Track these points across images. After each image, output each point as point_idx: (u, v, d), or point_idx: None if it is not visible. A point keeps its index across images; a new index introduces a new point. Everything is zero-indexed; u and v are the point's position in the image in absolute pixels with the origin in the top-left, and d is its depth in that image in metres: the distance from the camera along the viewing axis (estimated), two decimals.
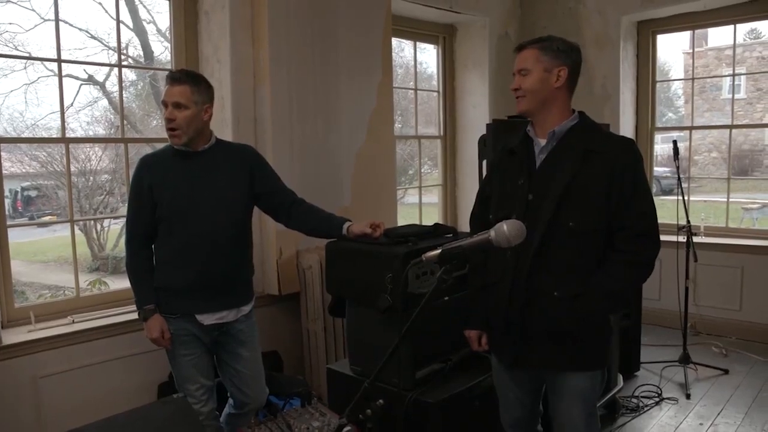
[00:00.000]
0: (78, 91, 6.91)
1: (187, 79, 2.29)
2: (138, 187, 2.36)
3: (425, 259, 1.53)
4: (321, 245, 3.00)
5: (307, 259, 3.40)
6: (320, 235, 2.61)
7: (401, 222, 4.37)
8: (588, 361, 1.90)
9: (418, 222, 4.84)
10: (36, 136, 6.21)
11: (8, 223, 2.84)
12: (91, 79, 6.80)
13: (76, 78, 6.62)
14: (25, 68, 7.10)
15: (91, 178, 8.60)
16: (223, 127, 3.31)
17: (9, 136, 7.53)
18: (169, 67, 3.54)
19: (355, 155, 3.80)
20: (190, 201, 2.33)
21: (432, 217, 5.25)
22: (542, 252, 1.84)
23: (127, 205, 2.41)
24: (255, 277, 2.61)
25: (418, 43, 5.00)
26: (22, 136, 7.58)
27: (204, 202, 2.34)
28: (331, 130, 3.66)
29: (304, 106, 3.48)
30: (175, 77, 2.28)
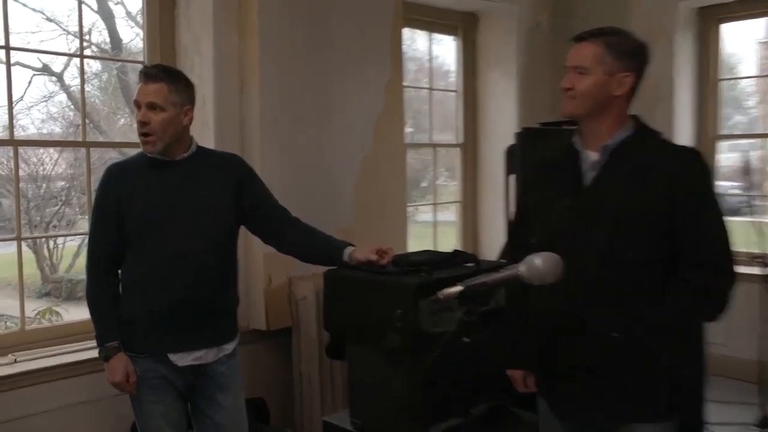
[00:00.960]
0: (30, 83, 6.89)
1: (164, 75, 2.33)
2: (103, 198, 2.39)
3: (442, 297, 1.53)
4: (318, 272, 3.02)
5: (302, 288, 3.42)
6: (317, 261, 2.64)
7: (412, 244, 4.41)
8: (658, 409, 1.89)
9: (432, 244, 4.88)
10: None
11: None
12: (46, 69, 6.78)
13: (29, 67, 6.63)
14: None
15: (44, 185, 8.54)
16: (204, 131, 3.37)
17: None
18: (140, 57, 3.60)
19: (358, 166, 3.84)
20: (169, 211, 2.36)
21: (449, 238, 5.28)
22: (596, 285, 1.84)
23: (89, 219, 2.42)
24: (239, 310, 2.62)
25: (433, 34, 5.07)
26: None
27: (185, 212, 2.37)
28: (331, 137, 3.70)
29: (299, 107, 3.53)
30: (150, 74, 2.32)
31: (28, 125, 7.75)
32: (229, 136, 3.41)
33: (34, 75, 6.81)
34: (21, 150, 3.13)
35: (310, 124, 3.59)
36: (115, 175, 2.41)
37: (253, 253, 3.42)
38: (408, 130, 5.00)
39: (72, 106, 6.98)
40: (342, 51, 3.73)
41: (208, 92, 3.38)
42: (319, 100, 3.62)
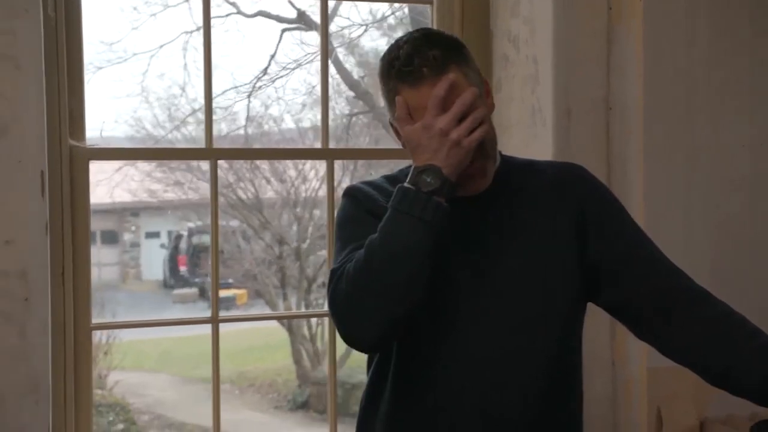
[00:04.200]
0: (278, 44, 5.53)
1: (447, 55, 1.45)
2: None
3: None
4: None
5: None
6: (741, 389, 1.60)
7: None
8: None
9: None
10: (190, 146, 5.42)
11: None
12: (301, 20, 5.38)
13: (274, 18, 5.43)
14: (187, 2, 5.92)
15: (307, 212, 7.57)
16: (530, 126, 2.37)
17: (155, 130, 7.11)
18: None
19: None
20: (463, 286, 1.55)
21: None
22: None
23: None
24: None
25: None
26: (164, 135, 7.01)
27: (487, 286, 1.53)
28: None
29: (727, 76, 2.38)
30: (427, 60, 1.43)
31: (281, 114, 6.34)
32: (582, 133, 2.32)
33: (284, 30, 5.48)
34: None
35: (752, 116, 2.38)
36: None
37: (629, 361, 2.39)
38: None
39: (343, 81, 5.44)
40: None
41: (544, 51, 2.32)
42: None
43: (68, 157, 1.99)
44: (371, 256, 1.40)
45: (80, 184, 2.02)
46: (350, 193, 1.62)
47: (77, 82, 2.04)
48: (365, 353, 1.61)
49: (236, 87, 5.71)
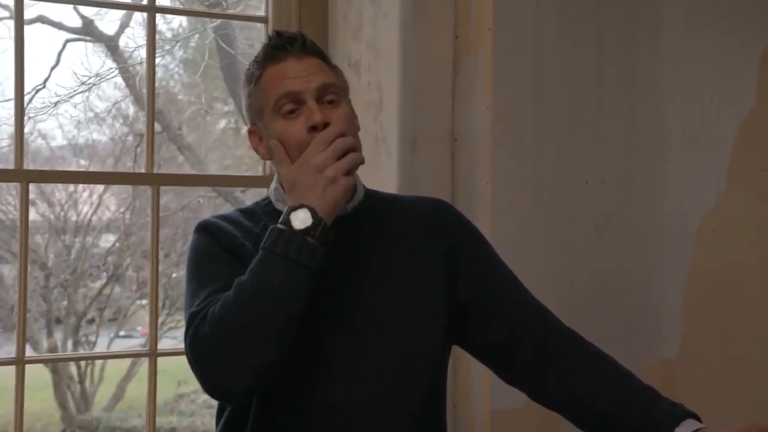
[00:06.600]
0: (60, 55, 5.23)
1: (317, 49, 1.61)
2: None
3: None
4: None
5: None
6: None
7: None
8: None
9: None
10: None
11: None
12: (87, 31, 5.20)
13: (57, 26, 5.11)
14: None
15: (77, 241, 6.99)
16: (376, 156, 2.39)
17: None
18: (258, 11, 2.72)
19: (693, 234, 2.64)
20: (327, 327, 1.56)
21: None
22: None
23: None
24: None
25: None
26: None
27: (356, 328, 1.57)
28: (637, 168, 2.57)
29: (574, 109, 2.48)
30: (294, 40, 1.56)
31: (54, 131, 5.84)
32: (428, 166, 2.38)
33: (68, 41, 5.31)
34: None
35: (598, 144, 2.50)
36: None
37: (469, 405, 2.37)
38: None
39: (132, 99, 5.41)
40: (671, 15, 2.61)
41: (390, 81, 2.37)
42: (618, 101, 2.54)
43: None
44: (242, 298, 1.35)
45: None
46: (204, 228, 1.56)
47: None
48: (230, 404, 1.53)
49: (4, 101, 5.20)
